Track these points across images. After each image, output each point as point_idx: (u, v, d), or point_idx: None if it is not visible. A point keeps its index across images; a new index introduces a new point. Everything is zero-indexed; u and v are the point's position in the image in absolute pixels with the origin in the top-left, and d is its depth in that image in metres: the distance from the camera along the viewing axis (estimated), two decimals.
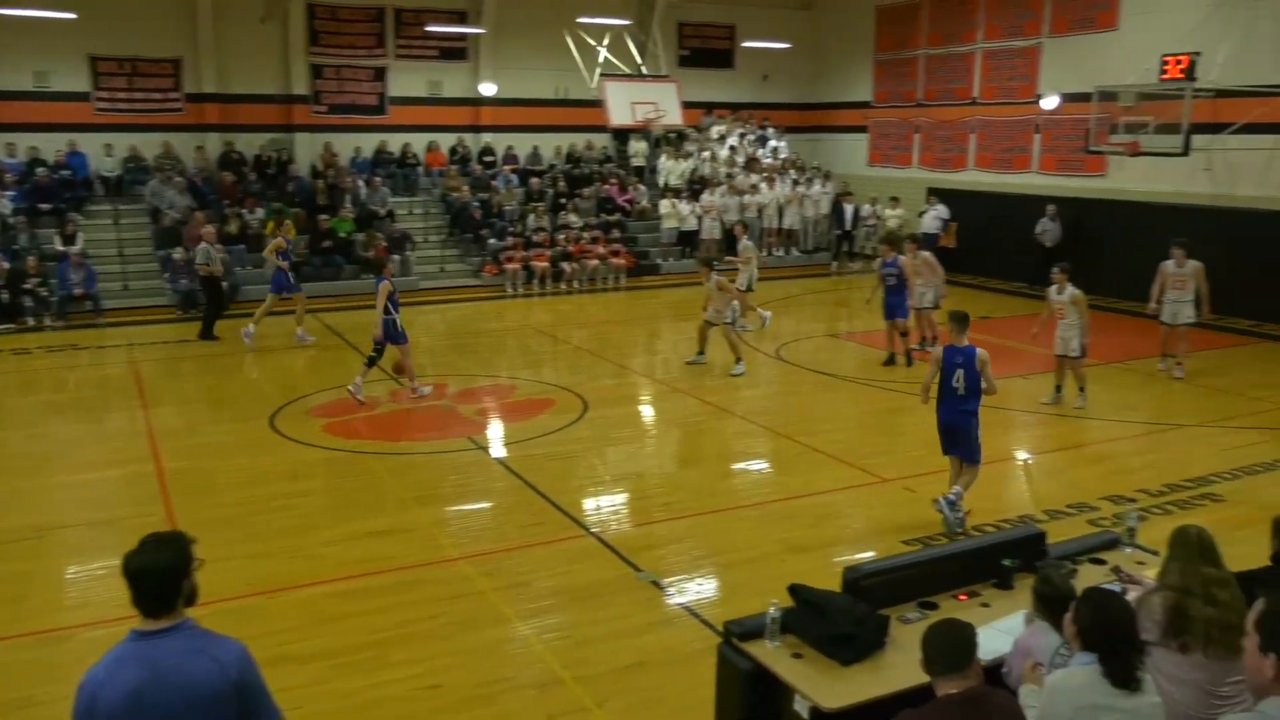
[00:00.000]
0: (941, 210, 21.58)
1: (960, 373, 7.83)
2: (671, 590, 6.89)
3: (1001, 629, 4.67)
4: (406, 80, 22.84)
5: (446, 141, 23.16)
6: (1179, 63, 15.62)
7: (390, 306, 11.66)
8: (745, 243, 15.73)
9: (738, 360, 13.07)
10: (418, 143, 22.81)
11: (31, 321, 16.11)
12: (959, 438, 8.00)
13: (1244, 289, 16.17)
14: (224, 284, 16.26)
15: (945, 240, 21.64)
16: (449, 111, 23.32)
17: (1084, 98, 17.52)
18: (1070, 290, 11.33)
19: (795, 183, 23.39)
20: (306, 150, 21.85)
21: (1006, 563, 5.20)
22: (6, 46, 19.25)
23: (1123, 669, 3.47)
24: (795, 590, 4.86)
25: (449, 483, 9.22)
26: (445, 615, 6.51)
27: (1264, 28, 15.99)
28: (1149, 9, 17.83)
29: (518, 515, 8.32)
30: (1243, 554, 5.92)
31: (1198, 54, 15.48)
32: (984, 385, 7.78)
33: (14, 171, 18.97)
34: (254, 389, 12.68)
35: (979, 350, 7.80)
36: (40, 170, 18.85)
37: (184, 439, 10.51)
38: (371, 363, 11.87)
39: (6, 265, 16.17)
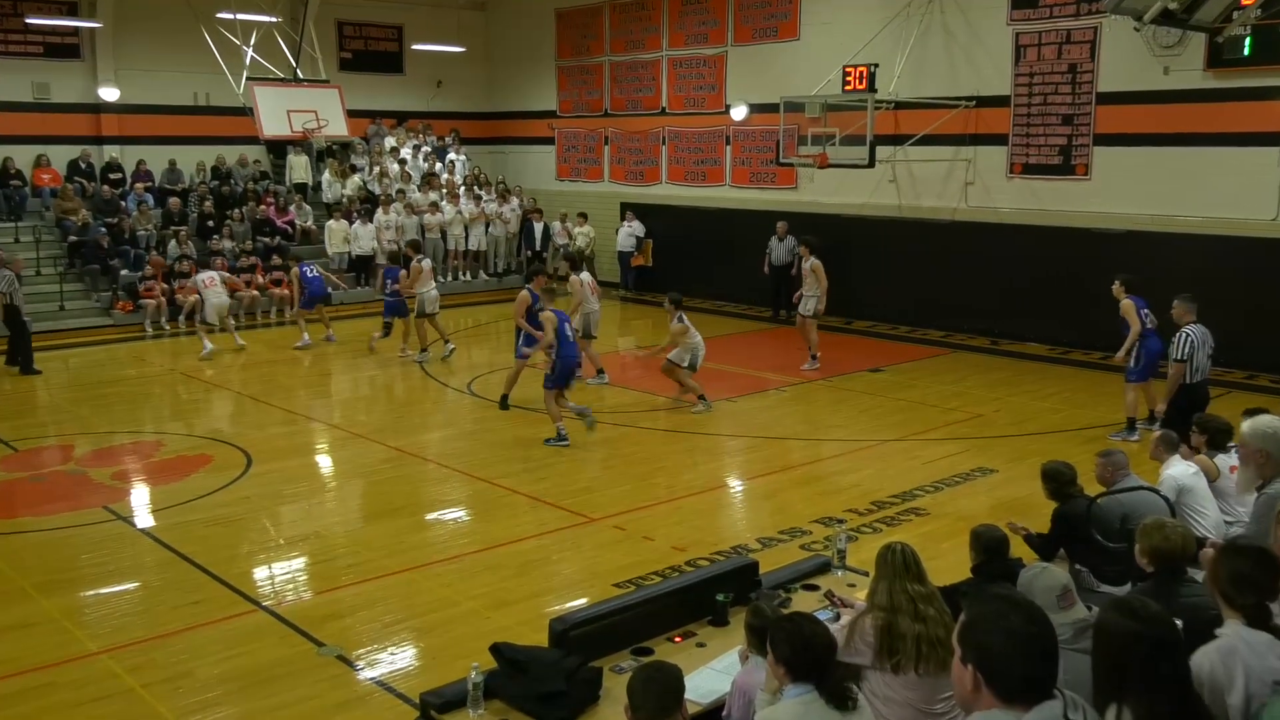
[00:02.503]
0: (636, 227, 22.47)
1: None
2: (361, 664, 6.70)
3: (719, 668, 4.90)
4: (5, 82, 20.91)
5: (61, 155, 21.43)
6: (860, 74, 17.16)
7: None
8: (675, 323, 13.11)
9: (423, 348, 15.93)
10: (22, 156, 20.94)
11: None
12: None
13: (935, 299, 17.98)
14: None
15: (640, 259, 22.54)
16: (61, 120, 21.59)
17: (772, 108, 18.83)
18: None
19: (479, 199, 23.52)
20: None
21: (720, 598, 5.47)
22: None
23: (836, 689, 3.75)
24: (497, 650, 4.88)
25: (82, 563, 8.47)
26: None
27: (933, 43, 17.94)
28: (828, 19, 19.49)
29: (171, 594, 7.79)
30: (947, 566, 6.58)
31: (876, 66, 17.08)
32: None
33: None
34: None
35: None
36: None
37: None
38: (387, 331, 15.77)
39: None
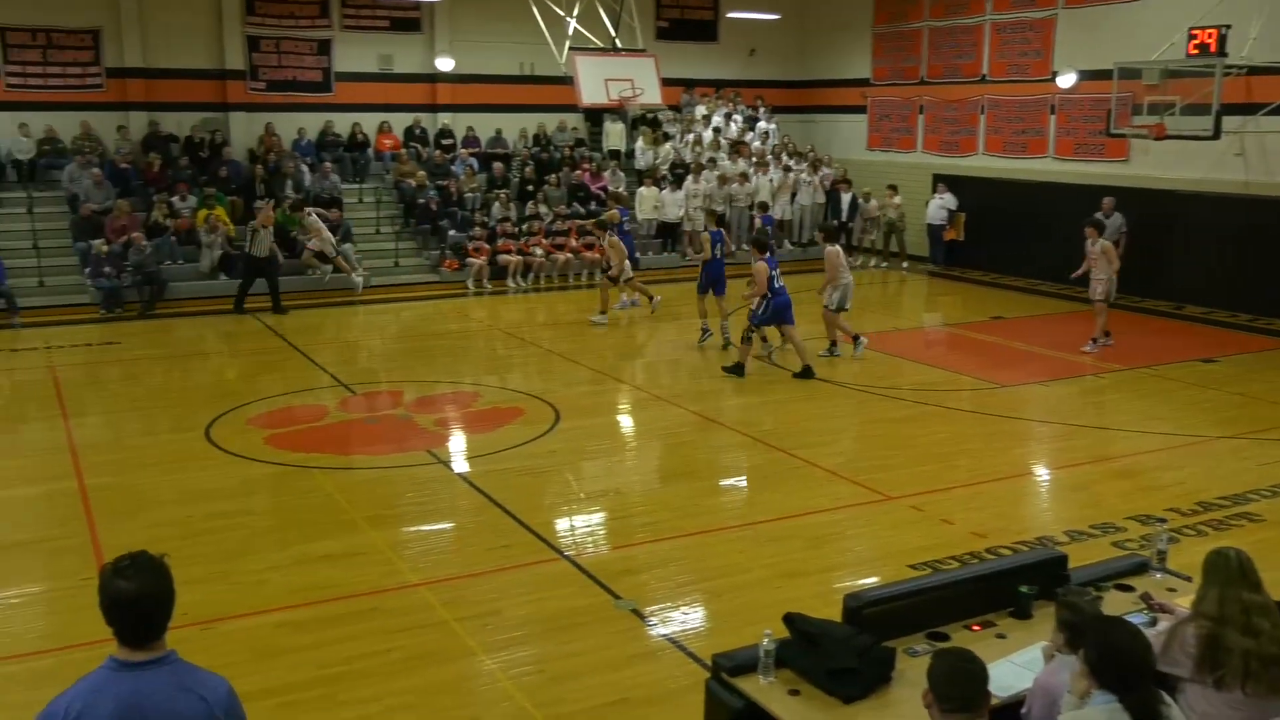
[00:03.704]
0: (948, 199, 21.71)
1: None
2: (654, 620, 6.90)
3: (1019, 663, 4.70)
4: (354, 54, 22.77)
5: (400, 122, 23.11)
6: (1208, 37, 15.77)
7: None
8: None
9: (601, 311, 16.52)
10: (368, 123, 22.74)
11: None
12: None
13: None
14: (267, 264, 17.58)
15: (951, 233, 21.79)
16: (402, 89, 23.27)
17: (1104, 75, 17.65)
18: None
19: (787, 169, 23.47)
20: (243, 131, 21.74)
21: (1024, 590, 5.24)
22: None
23: (1139, 706, 3.50)
24: (791, 620, 4.88)
25: (406, 501, 9.20)
26: (402, 648, 6.49)
27: None
28: None
29: (483, 537, 8.31)
30: None
31: (1228, 27, 15.62)
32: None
33: None
34: (188, 396, 12.60)
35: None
36: None
37: (109, 452, 10.44)
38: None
39: None
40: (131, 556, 3.08)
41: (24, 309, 16.59)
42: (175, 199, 19.25)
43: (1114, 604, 5.21)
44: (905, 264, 22.06)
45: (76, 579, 7.33)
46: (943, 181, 21.94)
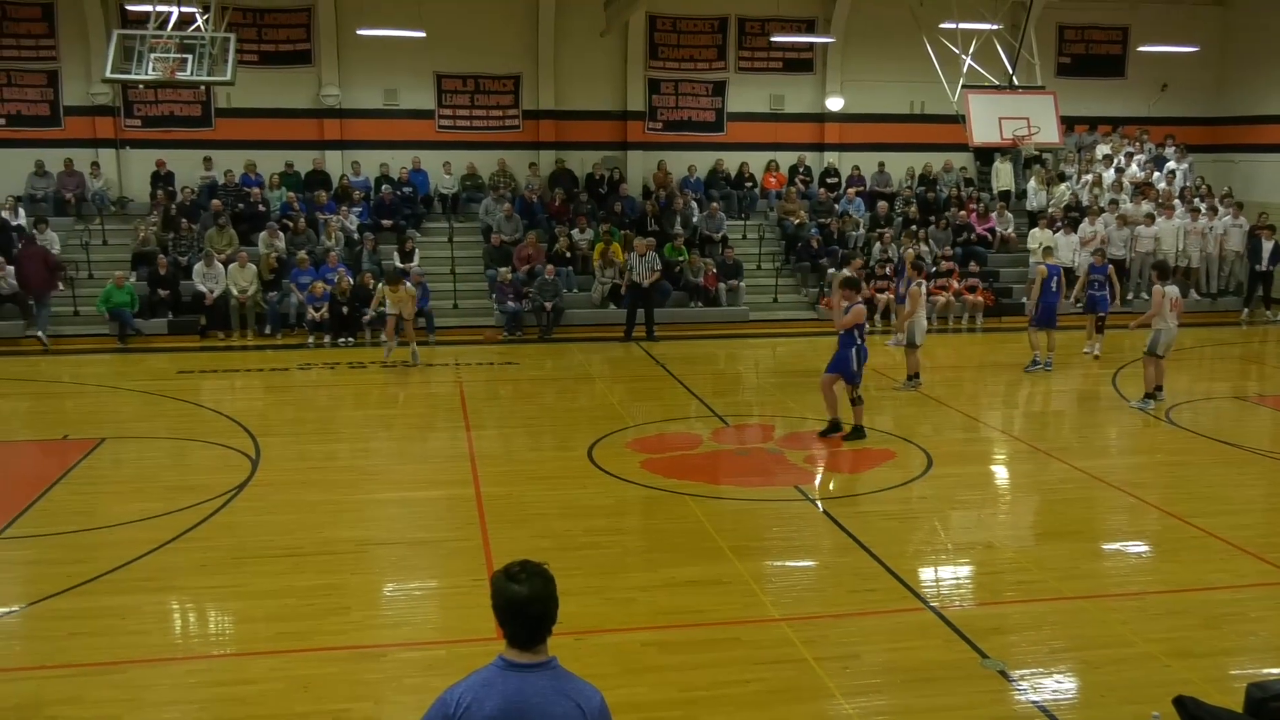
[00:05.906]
0: None
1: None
2: (1023, 684, 6.54)
3: None
4: (746, 95, 23.48)
5: (786, 160, 23.53)
6: None
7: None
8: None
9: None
10: (755, 161, 23.33)
11: (369, 336, 17.93)
12: None
13: None
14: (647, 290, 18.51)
15: None
16: (790, 128, 23.70)
17: None
18: None
19: (1198, 212, 21.67)
20: (638, 168, 22.99)
21: None
22: (362, 65, 21.78)
23: None
24: (1183, 703, 4.51)
25: (772, 534, 9.29)
26: (761, 681, 6.54)
27: None
28: None
29: (846, 578, 8.23)
30: None
31: None
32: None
33: (361, 188, 21.36)
34: (574, 417, 13.43)
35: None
36: (385, 187, 21.09)
37: (503, 464, 11.29)
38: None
39: (351, 280, 18.11)
40: (523, 563, 3.33)
41: (439, 328, 18.35)
42: (575, 231, 20.62)
43: None
44: None
45: (469, 579, 7.99)
46: None
